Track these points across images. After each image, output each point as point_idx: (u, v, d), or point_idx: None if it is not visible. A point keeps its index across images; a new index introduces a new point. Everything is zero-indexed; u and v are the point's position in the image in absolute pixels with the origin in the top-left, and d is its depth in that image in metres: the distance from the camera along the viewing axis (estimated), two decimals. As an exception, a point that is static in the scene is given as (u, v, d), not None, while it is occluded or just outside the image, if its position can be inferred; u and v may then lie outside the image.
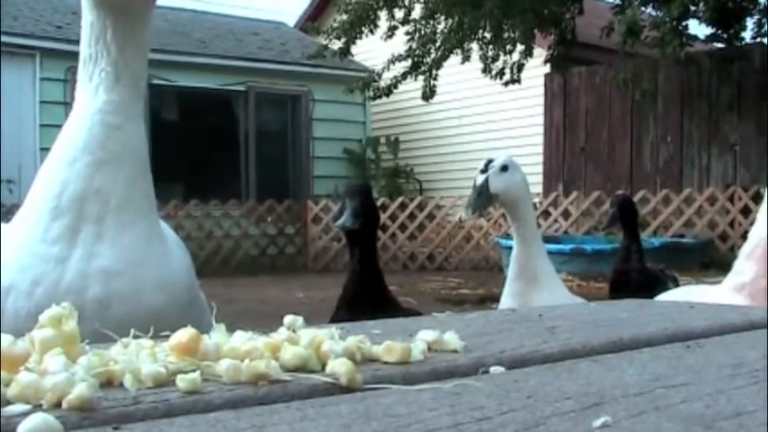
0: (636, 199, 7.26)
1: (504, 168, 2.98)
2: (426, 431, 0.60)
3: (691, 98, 10.58)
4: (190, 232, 11.37)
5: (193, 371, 0.73)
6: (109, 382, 0.72)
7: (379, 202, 11.14)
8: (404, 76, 10.55)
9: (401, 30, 10.46)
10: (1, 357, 0.69)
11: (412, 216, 11.92)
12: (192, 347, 0.76)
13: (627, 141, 11.12)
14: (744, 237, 2.13)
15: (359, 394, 0.72)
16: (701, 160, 10.49)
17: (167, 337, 0.79)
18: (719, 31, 9.44)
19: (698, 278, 6.63)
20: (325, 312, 3.35)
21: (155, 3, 1.56)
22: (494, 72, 10.60)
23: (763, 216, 1.99)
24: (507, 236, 8.68)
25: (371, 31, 10.28)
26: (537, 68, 11.34)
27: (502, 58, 10.53)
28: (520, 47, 10.40)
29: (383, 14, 10.23)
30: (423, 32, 10.46)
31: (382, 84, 10.69)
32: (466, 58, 10.58)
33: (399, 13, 10.43)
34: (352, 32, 10.21)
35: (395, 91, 10.78)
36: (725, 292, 1.98)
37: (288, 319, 0.91)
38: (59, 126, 1.51)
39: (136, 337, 0.82)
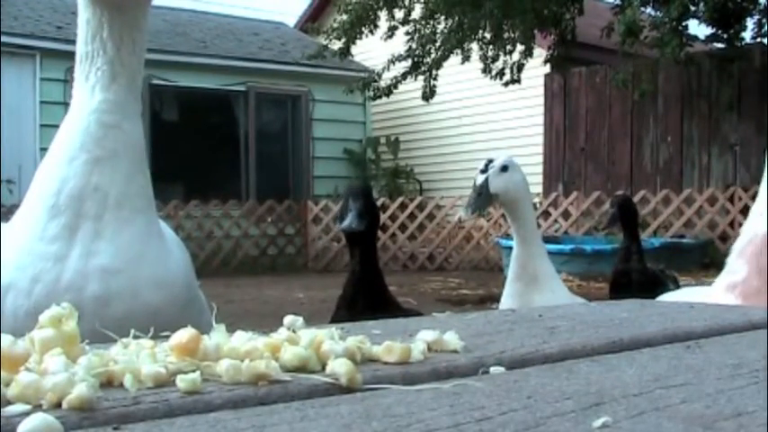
0: (636, 199, 7.26)
1: (504, 168, 2.98)
2: (426, 431, 0.60)
3: (691, 98, 10.58)
4: (190, 232, 11.37)
5: (193, 371, 0.73)
6: (109, 383, 0.72)
7: (379, 203, 11.14)
8: (404, 76, 10.56)
9: (401, 30, 10.46)
10: (1, 357, 0.69)
11: (412, 216, 11.92)
12: (192, 348, 0.76)
13: (627, 141, 11.13)
14: (744, 237, 2.11)
15: (359, 394, 0.72)
16: (701, 160, 10.49)
17: (167, 337, 0.79)
18: (719, 32, 9.44)
19: (698, 278, 6.63)
20: (325, 312, 3.35)
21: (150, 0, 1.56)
22: (494, 72, 10.61)
23: (755, 212, 1.97)
24: (507, 236, 8.68)
25: (371, 32, 10.28)
26: (537, 69, 11.34)
27: (502, 58, 10.54)
28: (520, 47, 10.40)
29: (383, 15, 10.23)
30: (423, 33, 10.46)
31: (382, 84, 10.69)
32: (466, 59, 10.58)
33: (399, 14, 10.43)
34: (352, 33, 10.21)
35: (395, 91, 10.78)
36: (717, 292, 1.96)
37: (288, 319, 0.91)
38: (59, 126, 1.51)
39: (136, 337, 0.82)
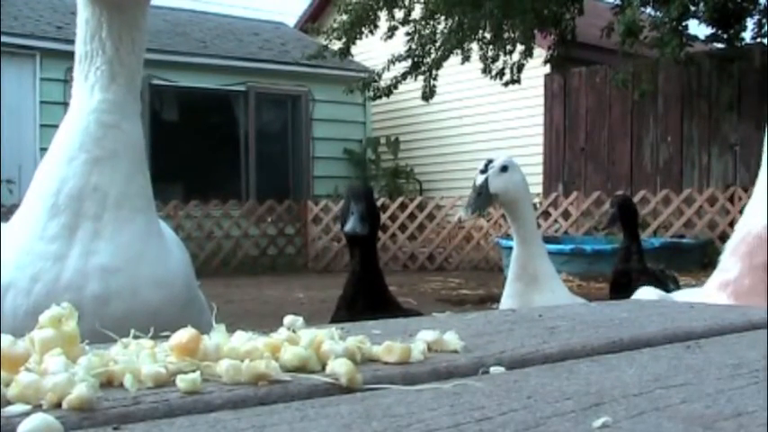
0: (636, 199, 7.26)
1: (504, 169, 2.98)
2: (426, 431, 0.60)
3: (691, 98, 10.58)
4: (190, 232, 11.37)
5: (193, 371, 0.73)
6: (109, 383, 0.72)
7: (379, 203, 11.14)
8: (404, 76, 10.56)
9: (401, 30, 10.46)
10: (1, 357, 0.69)
11: (412, 216, 11.92)
12: (192, 348, 0.76)
13: (627, 141, 11.13)
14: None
15: (359, 394, 0.72)
16: (701, 160, 10.49)
17: (167, 337, 0.79)
18: (719, 32, 9.44)
19: (698, 278, 6.63)
20: (325, 312, 3.35)
21: None
22: (494, 72, 10.61)
23: (749, 210, 1.96)
24: (507, 236, 8.68)
25: (371, 32, 10.28)
26: (537, 69, 11.34)
27: (502, 58, 10.54)
28: (520, 47, 10.40)
29: (383, 15, 10.23)
30: (423, 33, 10.46)
31: (382, 84, 10.69)
32: (466, 59, 10.58)
33: (399, 14, 10.43)
34: (352, 33, 10.21)
35: (395, 91, 10.78)
36: (709, 291, 1.95)
37: (288, 319, 0.91)
38: (59, 126, 1.51)
39: (136, 337, 0.82)
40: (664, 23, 8.87)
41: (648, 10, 9.40)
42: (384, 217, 11.13)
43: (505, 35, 10.31)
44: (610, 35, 9.42)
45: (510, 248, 3.18)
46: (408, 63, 10.56)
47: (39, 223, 1.41)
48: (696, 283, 5.47)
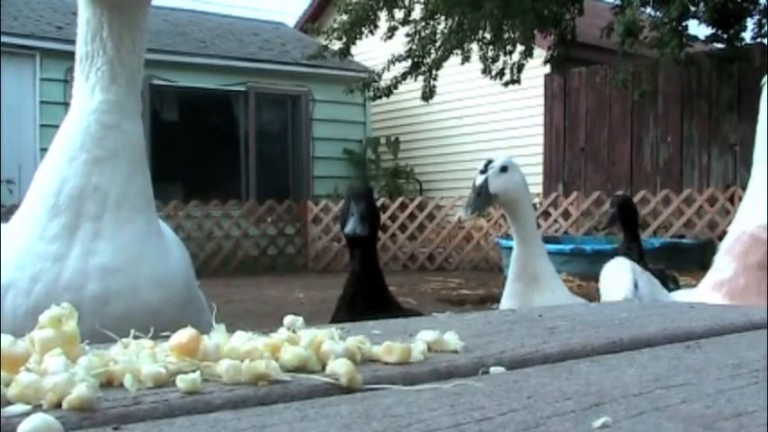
0: (636, 199, 7.26)
1: (504, 169, 2.98)
2: (426, 431, 0.60)
3: (691, 98, 10.58)
4: (190, 233, 11.37)
5: (193, 371, 0.73)
6: (109, 383, 0.72)
7: (379, 203, 11.14)
8: (404, 76, 10.56)
9: (401, 30, 10.46)
10: (1, 357, 0.69)
11: (412, 216, 11.92)
12: (192, 348, 0.76)
13: (627, 141, 11.12)
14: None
15: (359, 394, 0.72)
16: (701, 160, 10.49)
17: (167, 337, 0.79)
18: (719, 32, 9.44)
19: (698, 278, 6.62)
20: (325, 313, 3.35)
21: None
22: (494, 72, 10.61)
23: (743, 210, 1.96)
24: (507, 236, 8.68)
25: (371, 32, 10.28)
26: (537, 69, 11.34)
27: (502, 58, 10.54)
28: (520, 47, 10.40)
29: (383, 15, 10.23)
30: (423, 33, 10.46)
31: (382, 84, 10.69)
32: (466, 59, 10.58)
33: (399, 14, 10.43)
34: (352, 33, 10.21)
35: (395, 91, 10.78)
36: (703, 291, 1.95)
37: (288, 319, 0.91)
38: (59, 126, 1.51)
39: (136, 337, 0.82)
40: (664, 23, 8.87)
41: (648, 10, 9.40)
42: (384, 217, 11.13)
43: (505, 35, 10.31)
44: (610, 35, 9.42)
45: (510, 248, 3.18)
46: (408, 63, 10.56)
47: (39, 223, 1.41)
48: (696, 283, 5.47)
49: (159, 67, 11.58)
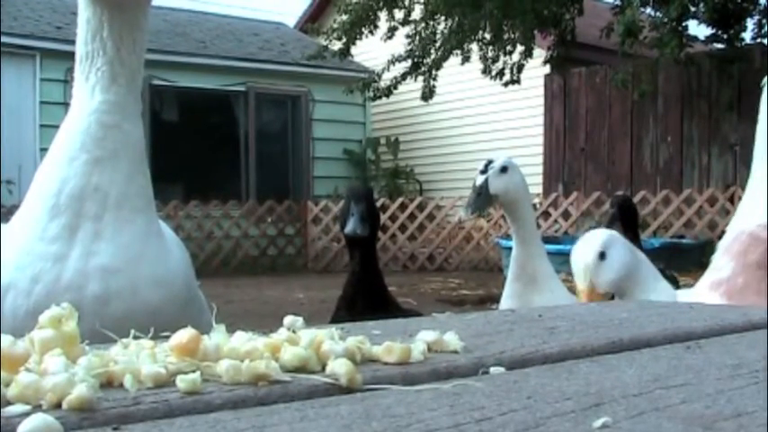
0: (636, 199, 7.26)
1: (504, 169, 2.98)
2: (426, 431, 0.60)
3: (691, 98, 10.58)
4: (190, 233, 11.37)
5: (193, 371, 0.73)
6: (109, 383, 0.72)
7: (379, 203, 11.14)
8: (404, 76, 10.56)
9: (401, 30, 10.46)
10: (1, 357, 0.69)
11: (412, 217, 11.92)
12: (191, 348, 0.76)
13: (627, 141, 11.12)
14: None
15: (359, 395, 0.72)
16: (701, 160, 10.49)
17: (167, 337, 0.79)
18: (719, 32, 9.44)
19: (698, 279, 6.62)
20: (325, 313, 3.35)
21: None
22: (494, 73, 10.61)
23: (742, 209, 1.96)
24: (507, 236, 8.68)
25: (371, 32, 10.28)
26: (537, 69, 11.34)
27: (502, 58, 10.54)
28: (520, 47, 10.40)
29: (383, 15, 10.23)
30: (423, 33, 10.46)
31: (382, 84, 10.69)
32: (466, 59, 10.58)
33: (399, 14, 10.43)
34: (352, 33, 10.21)
35: (395, 91, 10.78)
36: (701, 291, 1.95)
37: (288, 319, 0.91)
38: (59, 127, 1.51)
39: (136, 337, 0.82)
40: (663, 24, 8.87)
41: (648, 10, 9.40)
42: (384, 217, 11.13)
43: (505, 36, 10.31)
44: (609, 35, 9.42)
45: (510, 249, 3.18)
46: (408, 63, 10.56)
47: (39, 224, 1.41)
48: (695, 283, 5.47)
49: (159, 68, 11.57)
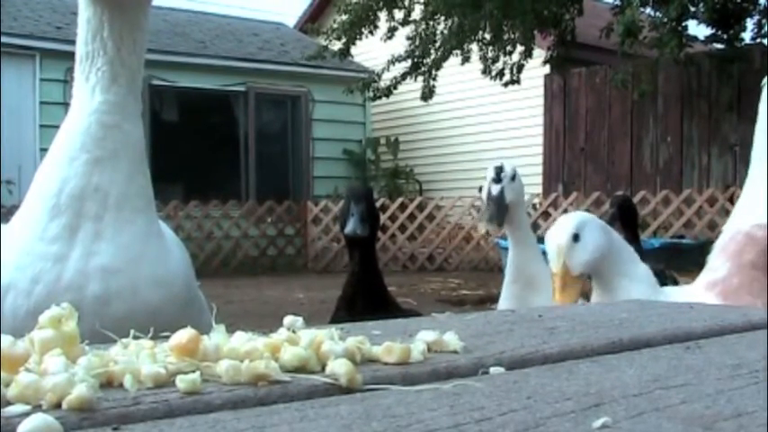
0: (636, 199, 7.26)
1: (513, 177, 2.98)
2: (426, 431, 0.60)
3: (691, 98, 10.58)
4: (190, 233, 11.37)
5: (193, 371, 0.73)
6: (109, 383, 0.72)
7: (378, 203, 11.14)
8: (403, 76, 10.55)
9: (401, 30, 10.46)
10: (1, 357, 0.69)
11: (412, 217, 11.92)
12: (191, 348, 0.76)
13: (627, 142, 11.12)
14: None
15: (359, 395, 0.72)
16: (701, 161, 10.49)
17: (167, 337, 0.79)
18: (719, 32, 9.44)
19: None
20: (324, 313, 3.35)
21: None
22: (493, 73, 10.60)
23: (738, 209, 1.96)
24: (506, 237, 8.67)
25: (371, 32, 10.28)
26: (537, 69, 11.34)
27: (502, 58, 10.53)
28: (519, 48, 10.40)
29: (383, 15, 10.23)
30: (423, 34, 10.46)
31: (382, 84, 10.69)
32: (466, 59, 10.58)
33: (399, 14, 10.43)
34: (351, 33, 10.21)
35: (395, 92, 10.78)
36: (696, 291, 1.95)
37: (288, 319, 0.91)
38: (59, 127, 1.51)
39: (136, 337, 0.82)
40: (663, 24, 8.87)
41: (648, 10, 9.39)
42: (384, 217, 11.13)
43: (505, 36, 10.31)
44: (609, 35, 9.42)
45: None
46: (408, 63, 10.56)
47: (39, 224, 1.41)
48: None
49: (159, 68, 11.58)
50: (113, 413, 0.65)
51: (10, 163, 10.68)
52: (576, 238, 2.26)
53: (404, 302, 4.03)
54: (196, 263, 1.91)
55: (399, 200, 12.14)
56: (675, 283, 4.52)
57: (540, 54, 11.17)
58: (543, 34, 10.71)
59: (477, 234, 11.49)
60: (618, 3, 9.54)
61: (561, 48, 10.74)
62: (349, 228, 2.67)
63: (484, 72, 10.67)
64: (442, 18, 10.40)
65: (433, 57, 10.50)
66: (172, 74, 12.27)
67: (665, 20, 8.81)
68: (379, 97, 10.87)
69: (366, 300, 2.68)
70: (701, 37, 9.67)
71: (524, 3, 9.60)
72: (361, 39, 10.37)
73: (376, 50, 12.46)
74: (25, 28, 11.76)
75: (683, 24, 8.94)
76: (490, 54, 10.51)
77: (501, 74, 10.57)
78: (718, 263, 1.92)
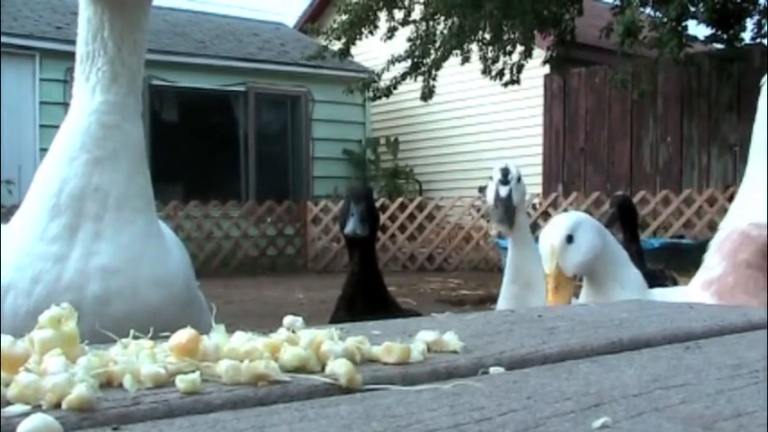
0: (635, 199, 7.26)
1: (519, 178, 2.98)
2: (426, 431, 0.60)
3: (691, 98, 10.58)
4: (189, 233, 11.37)
5: (193, 371, 0.73)
6: (108, 383, 0.72)
7: (378, 203, 11.14)
8: (403, 76, 10.56)
9: (401, 30, 10.46)
10: (1, 357, 0.69)
11: (411, 217, 11.92)
12: (191, 348, 0.76)
13: (627, 142, 11.13)
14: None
15: (358, 395, 0.72)
16: (701, 161, 10.49)
17: (167, 337, 0.79)
18: (719, 32, 9.44)
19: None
20: (324, 313, 3.35)
21: None
22: (493, 73, 10.61)
23: (734, 208, 1.95)
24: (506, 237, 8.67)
25: (371, 32, 10.28)
26: (536, 69, 11.34)
27: (501, 58, 10.53)
28: (519, 48, 10.40)
29: (383, 15, 10.23)
30: (423, 34, 10.46)
31: (382, 84, 10.69)
32: (466, 59, 10.58)
33: (399, 14, 10.43)
34: (351, 33, 10.21)
35: (394, 92, 10.78)
36: (693, 290, 1.94)
37: (287, 319, 0.91)
38: (59, 127, 1.51)
39: (136, 337, 0.82)
40: (663, 24, 8.87)
41: (648, 10, 9.39)
42: (383, 217, 11.13)
43: (505, 36, 10.31)
44: (609, 35, 9.42)
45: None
46: (408, 63, 10.56)
47: (39, 224, 1.41)
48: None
49: (159, 68, 11.58)
50: (113, 413, 0.65)
51: (10, 163, 10.68)
52: (569, 239, 2.26)
53: (404, 302, 4.03)
54: (196, 263, 1.91)
55: (399, 200, 12.14)
56: (675, 282, 4.52)
57: (539, 54, 11.17)
58: (543, 34, 10.71)
59: (476, 234, 11.49)
60: (618, 3, 9.54)
61: (561, 48, 10.74)
62: (349, 228, 2.67)
63: (484, 72, 10.67)
64: (442, 18, 10.40)
65: (432, 57, 10.50)
66: (172, 74, 12.27)
67: (665, 20, 8.81)
68: (379, 97, 10.87)
69: (366, 300, 2.68)
70: (701, 37, 9.67)
71: (524, 3, 9.60)
72: (360, 39, 10.37)
73: (376, 50, 12.46)
74: (25, 28, 11.76)
75: (683, 24, 8.94)
76: (490, 54, 10.51)
77: (501, 74, 10.57)
78: (713, 262, 1.92)
